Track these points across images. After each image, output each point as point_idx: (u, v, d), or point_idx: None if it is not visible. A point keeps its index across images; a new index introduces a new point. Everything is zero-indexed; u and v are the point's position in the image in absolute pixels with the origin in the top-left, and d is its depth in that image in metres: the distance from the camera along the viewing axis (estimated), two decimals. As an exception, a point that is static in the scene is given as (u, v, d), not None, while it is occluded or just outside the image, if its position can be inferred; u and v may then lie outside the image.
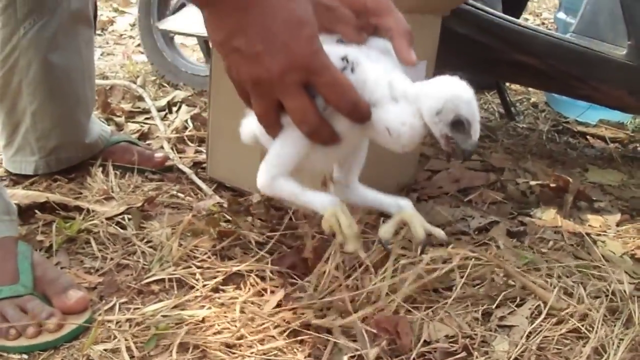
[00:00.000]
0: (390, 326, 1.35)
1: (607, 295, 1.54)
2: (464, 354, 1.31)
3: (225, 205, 1.83)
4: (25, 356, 1.29)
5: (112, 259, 1.60)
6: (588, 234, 1.88)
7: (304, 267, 1.55)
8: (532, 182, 2.19)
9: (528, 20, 5.91)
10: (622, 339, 1.38)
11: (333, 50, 1.12)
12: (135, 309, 1.41)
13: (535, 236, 1.85)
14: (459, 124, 1.09)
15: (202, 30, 1.10)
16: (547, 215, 2.01)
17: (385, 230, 1.22)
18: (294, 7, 1.06)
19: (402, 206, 1.24)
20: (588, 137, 2.84)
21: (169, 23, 3.09)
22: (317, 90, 1.07)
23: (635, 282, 1.64)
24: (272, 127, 1.14)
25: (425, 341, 1.34)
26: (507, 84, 3.29)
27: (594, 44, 2.34)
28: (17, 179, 2.03)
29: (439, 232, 1.25)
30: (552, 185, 2.14)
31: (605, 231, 1.94)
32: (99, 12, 4.57)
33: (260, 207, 1.80)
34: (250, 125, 1.31)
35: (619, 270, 1.68)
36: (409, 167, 2.14)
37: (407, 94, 1.11)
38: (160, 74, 3.26)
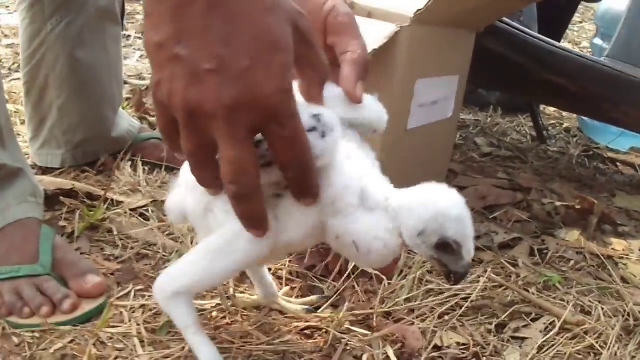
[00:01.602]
0: (400, 332, 1.34)
1: (623, 315, 1.53)
2: (474, 361, 1.31)
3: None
4: (37, 335, 1.29)
5: (132, 248, 1.61)
6: (610, 257, 1.86)
7: (324, 270, 1.54)
8: (558, 203, 2.17)
9: (567, 48, 5.86)
10: (635, 357, 1.37)
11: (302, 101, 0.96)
12: (150, 296, 1.41)
13: (557, 255, 1.83)
14: (445, 246, 0.98)
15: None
16: (571, 237, 1.99)
17: None
18: (270, 22, 0.82)
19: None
20: (618, 163, 2.81)
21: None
22: (269, 142, 0.86)
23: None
24: (204, 170, 0.90)
25: (436, 346, 1.33)
26: (541, 107, 3.28)
27: (628, 68, 2.33)
28: (45, 170, 2.04)
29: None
30: (577, 207, 2.12)
31: (627, 255, 1.92)
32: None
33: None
34: (177, 200, 1.13)
35: (638, 292, 1.67)
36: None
37: (386, 206, 0.99)
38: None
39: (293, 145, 0.86)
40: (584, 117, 3.10)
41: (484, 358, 1.32)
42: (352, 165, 0.99)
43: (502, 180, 2.34)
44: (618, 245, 2.00)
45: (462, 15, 1.85)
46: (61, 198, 1.79)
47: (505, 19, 2.21)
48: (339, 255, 1.40)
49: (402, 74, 1.71)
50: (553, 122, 3.35)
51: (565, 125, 3.30)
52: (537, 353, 1.36)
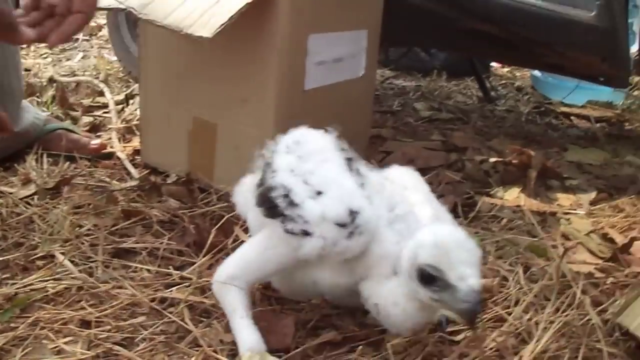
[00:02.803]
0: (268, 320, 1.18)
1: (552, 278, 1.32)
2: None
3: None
4: None
5: (12, 237, 1.50)
6: (554, 213, 1.74)
7: (200, 247, 1.41)
8: (493, 159, 2.03)
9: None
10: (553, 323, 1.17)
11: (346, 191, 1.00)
12: (14, 284, 1.31)
13: (489, 214, 1.69)
14: (427, 278, 0.87)
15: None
16: (510, 195, 1.85)
17: None
18: None
19: None
20: (572, 117, 2.69)
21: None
22: None
23: (598, 261, 1.49)
24: None
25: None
26: (493, 68, 3.17)
27: (561, 7, 2.15)
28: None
29: None
30: (514, 161, 1.98)
31: (575, 209, 1.79)
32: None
33: (178, 185, 1.72)
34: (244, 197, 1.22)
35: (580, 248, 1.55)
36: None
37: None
38: (127, 70, 3.10)
39: None
40: (536, 74, 2.97)
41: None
42: (394, 232, 0.98)
43: (435, 142, 2.20)
44: (565, 200, 1.87)
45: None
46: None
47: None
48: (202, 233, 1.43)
49: (287, 28, 1.57)
50: (504, 81, 3.22)
51: (517, 84, 3.17)
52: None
